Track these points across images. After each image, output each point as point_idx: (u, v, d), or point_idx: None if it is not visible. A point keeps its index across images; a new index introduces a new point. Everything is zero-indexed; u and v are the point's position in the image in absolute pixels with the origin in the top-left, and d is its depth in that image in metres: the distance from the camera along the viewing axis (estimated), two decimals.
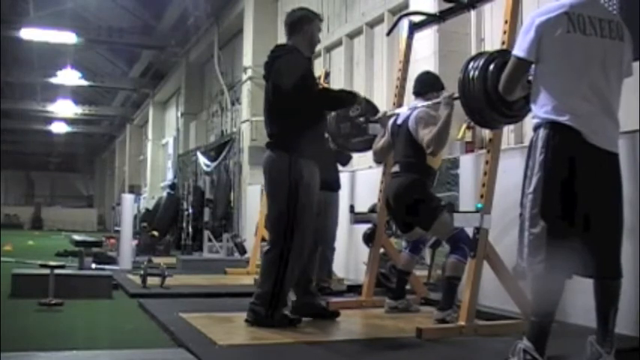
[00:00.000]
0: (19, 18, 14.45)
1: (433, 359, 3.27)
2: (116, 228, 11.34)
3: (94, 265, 7.26)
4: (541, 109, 2.82)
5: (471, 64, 3.57)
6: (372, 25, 8.09)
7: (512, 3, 3.76)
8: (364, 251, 5.08)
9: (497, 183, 3.78)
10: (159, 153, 20.64)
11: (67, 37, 15.08)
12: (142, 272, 5.53)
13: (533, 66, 2.89)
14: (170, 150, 18.78)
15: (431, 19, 4.83)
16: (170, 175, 17.85)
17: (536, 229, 2.75)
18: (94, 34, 15.82)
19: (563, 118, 2.74)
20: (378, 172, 5.24)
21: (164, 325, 3.79)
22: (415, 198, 4.13)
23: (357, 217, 4.97)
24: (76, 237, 12.13)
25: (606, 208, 2.85)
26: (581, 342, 3.13)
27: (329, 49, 9.05)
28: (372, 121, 4.78)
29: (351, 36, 8.57)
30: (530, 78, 2.98)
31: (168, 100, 20.13)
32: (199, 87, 16.58)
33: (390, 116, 4.50)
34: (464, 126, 5.72)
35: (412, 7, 6.14)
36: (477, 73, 3.49)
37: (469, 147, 5.63)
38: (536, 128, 2.84)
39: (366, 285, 4.78)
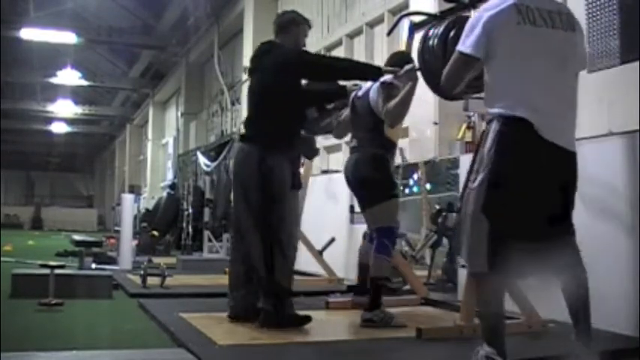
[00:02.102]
0: (19, 18, 14.45)
1: (433, 359, 3.27)
2: (116, 228, 11.35)
3: (94, 265, 7.25)
4: (494, 105, 2.70)
5: (431, 31, 3.45)
6: (372, 25, 8.10)
7: None
8: None
9: None
10: (159, 153, 20.63)
11: (67, 37, 15.09)
12: (142, 272, 5.53)
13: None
14: (170, 150, 18.77)
15: (431, 19, 4.82)
16: (170, 175, 17.85)
17: (479, 226, 2.60)
18: (94, 34, 15.83)
19: (516, 113, 2.61)
20: None
21: (164, 325, 3.79)
22: (373, 175, 3.99)
23: (357, 217, 4.96)
24: (76, 237, 12.16)
25: (559, 204, 2.68)
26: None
27: (329, 49, 9.05)
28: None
29: (351, 36, 8.57)
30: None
31: (168, 100, 20.14)
32: (199, 87, 16.58)
33: (353, 90, 4.29)
34: (464, 126, 5.73)
35: (412, 7, 6.14)
36: (436, 41, 3.35)
37: (469, 147, 5.63)
38: (488, 122, 2.71)
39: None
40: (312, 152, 5.69)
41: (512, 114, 2.61)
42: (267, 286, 3.74)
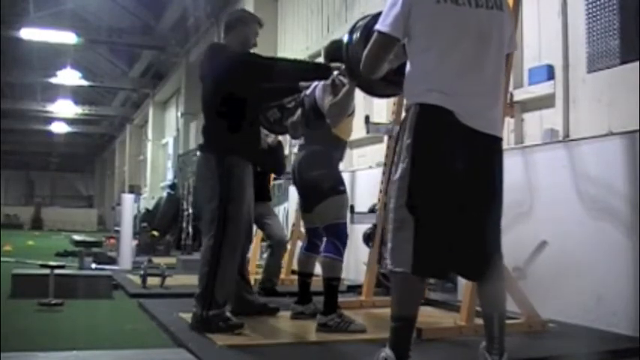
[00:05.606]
0: (19, 18, 14.48)
1: (433, 359, 3.27)
2: (116, 228, 11.33)
3: (94, 265, 7.25)
4: (412, 90, 2.54)
5: (359, 23, 3.31)
6: None
7: (513, 3, 3.75)
8: (364, 251, 5.08)
9: None
10: (159, 153, 20.65)
11: (67, 37, 15.11)
12: (142, 272, 5.53)
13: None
14: (170, 150, 18.79)
15: None
16: (170, 175, 17.86)
17: (404, 222, 2.43)
18: (94, 34, 15.87)
19: (433, 98, 2.44)
20: (378, 172, 5.24)
21: (164, 325, 3.79)
22: (315, 172, 3.85)
23: (357, 217, 4.96)
24: (76, 237, 12.15)
25: (483, 198, 2.50)
26: (581, 342, 3.13)
27: None
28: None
29: None
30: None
31: (168, 100, 20.15)
32: (199, 87, 16.53)
33: (305, 88, 4.07)
34: None
35: None
36: (358, 34, 3.21)
37: None
38: (407, 110, 2.54)
39: (366, 285, 4.78)
40: (278, 166, 5.50)
41: (429, 101, 2.45)
42: (203, 290, 3.61)
